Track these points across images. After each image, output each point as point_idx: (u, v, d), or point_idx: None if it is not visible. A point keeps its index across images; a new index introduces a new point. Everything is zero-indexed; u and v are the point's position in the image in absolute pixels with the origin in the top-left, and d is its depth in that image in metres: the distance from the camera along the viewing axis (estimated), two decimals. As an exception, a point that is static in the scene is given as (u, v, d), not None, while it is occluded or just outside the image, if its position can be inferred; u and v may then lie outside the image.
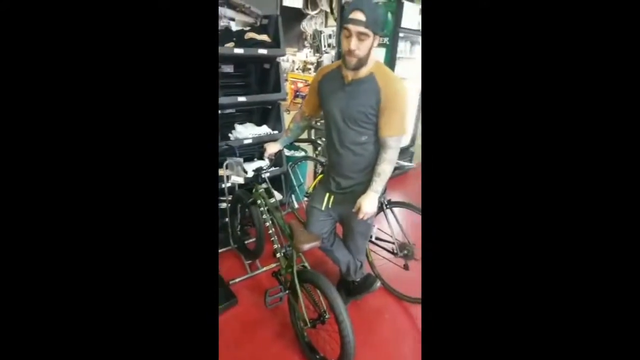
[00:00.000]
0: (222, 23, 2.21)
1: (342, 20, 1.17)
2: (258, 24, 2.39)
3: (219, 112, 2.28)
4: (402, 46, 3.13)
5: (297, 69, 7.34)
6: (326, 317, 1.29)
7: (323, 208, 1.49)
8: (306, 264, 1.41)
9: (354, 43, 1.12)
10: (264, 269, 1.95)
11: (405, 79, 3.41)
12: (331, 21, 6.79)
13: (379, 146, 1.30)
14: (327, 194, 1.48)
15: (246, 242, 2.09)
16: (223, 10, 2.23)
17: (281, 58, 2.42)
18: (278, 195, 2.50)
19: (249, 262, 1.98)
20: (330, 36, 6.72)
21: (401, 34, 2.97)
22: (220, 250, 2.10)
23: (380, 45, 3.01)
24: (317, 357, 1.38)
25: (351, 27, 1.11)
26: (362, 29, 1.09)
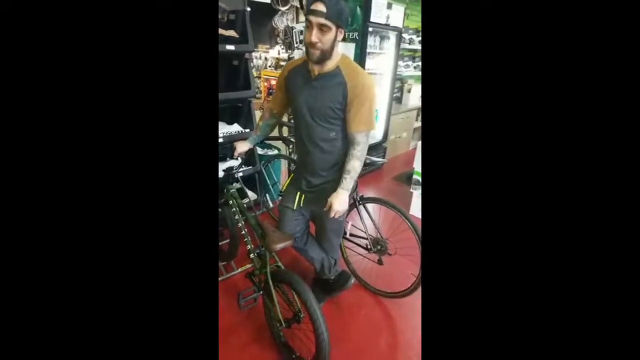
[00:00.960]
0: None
1: (305, 12, 1.16)
2: (225, 19, 2.32)
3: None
4: (372, 41, 3.15)
5: (269, 66, 7.24)
6: (301, 316, 1.28)
7: (295, 207, 1.48)
8: (280, 264, 1.39)
9: (315, 35, 1.10)
10: (239, 270, 1.91)
11: (376, 74, 3.46)
12: (302, 17, 6.76)
13: (347, 142, 1.30)
14: (298, 193, 1.46)
15: (220, 243, 2.03)
16: (187, 4, 2.13)
17: (254, 55, 2.37)
18: (252, 195, 2.45)
19: (224, 263, 1.93)
20: (301, 32, 6.68)
21: (370, 29, 2.98)
22: (192, 254, 2.03)
23: (349, 40, 3.02)
24: (294, 356, 1.37)
25: (312, 18, 1.09)
26: (322, 20, 1.08)
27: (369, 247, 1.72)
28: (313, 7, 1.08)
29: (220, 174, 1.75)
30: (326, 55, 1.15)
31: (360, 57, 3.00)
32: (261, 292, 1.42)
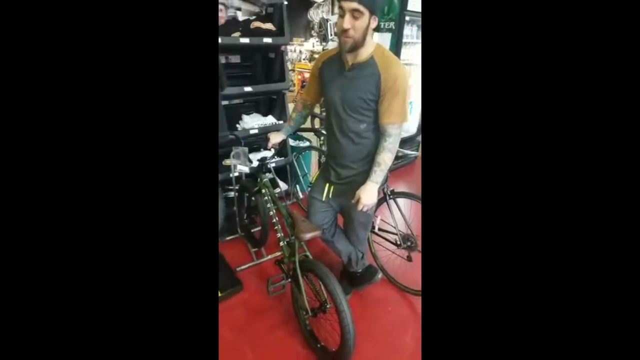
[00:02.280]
0: (229, 13, 2.19)
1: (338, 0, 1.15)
2: (264, 12, 2.36)
3: (227, 102, 2.28)
4: (409, 30, 3.03)
5: (304, 59, 7.27)
6: (327, 306, 1.30)
7: (323, 199, 1.49)
8: (308, 254, 1.42)
9: (347, 21, 1.08)
10: (269, 257, 1.97)
11: (412, 65, 3.33)
12: (337, 8, 6.68)
13: (379, 134, 1.27)
14: (327, 185, 1.47)
15: (252, 230, 2.12)
16: (230, 0, 2.20)
17: (288, 48, 2.40)
18: (283, 186, 2.51)
19: (255, 249, 2.01)
20: (336, 24, 6.61)
21: (407, 18, 2.86)
22: (227, 238, 2.14)
23: (385, 30, 2.93)
24: (319, 345, 1.40)
25: (344, 3, 1.07)
26: (355, 4, 1.06)
27: (398, 242, 1.69)
28: None
29: (255, 163, 1.81)
30: (358, 43, 1.13)
31: (396, 47, 2.91)
32: (289, 280, 1.46)
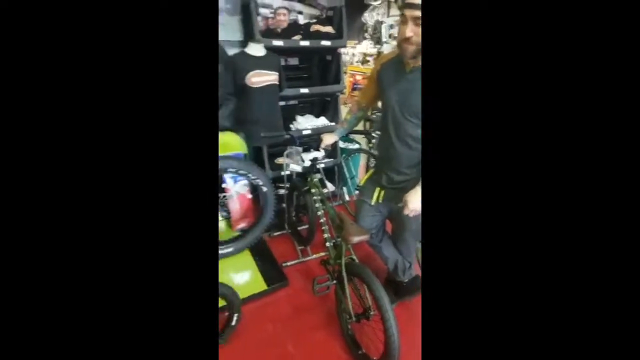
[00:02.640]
0: (291, 17, 2.28)
1: (399, 5, 1.11)
2: (324, 15, 2.41)
3: (284, 103, 2.37)
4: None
5: (356, 62, 7.25)
6: (371, 313, 1.27)
7: (373, 202, 1.46)
8: (354, 257, 1.41)
9: (409, 29, 1.05)
10: (314, 256, 2.00)
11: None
12: (393, 11, 6.58)
13: None
14: (378, 189, 1.44)
15: (299, 228, 2.16)
16: (292, 4, 2.29)
17: (341, 50, 2.42)
18: (330, 187, 2.52)
19: (301, 247, 2.05)
20: (391, 26, 6.50)
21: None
22: (275, 234, 2.23)
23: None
24: (360, 352, 1.37)
25: (407, 11, 1.04)
26: (417, 13, 1.01)
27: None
28: (409, 0, 1.03)
29: (307, 163, 1.85)
30: (420, 50, 1.09)
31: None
32: (334, 282, 1.46)
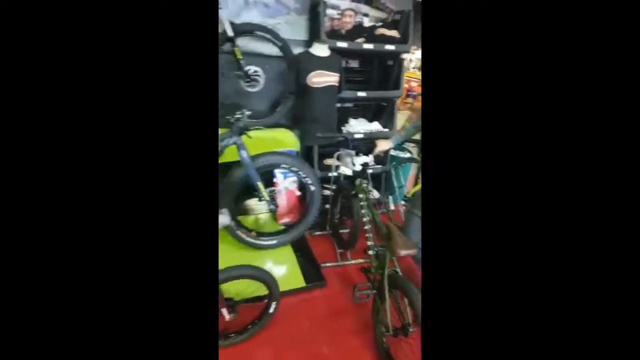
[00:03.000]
0: (356, 19, 2.27)
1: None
2: (390, 19, 2.37)
3: (340, 105, 2.38)
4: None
5: (413, 68, 7.02)
6: (410, 330, 1.22)
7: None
8: (398, 270, 1.36)
9: None
10: (353, 261, 1.98)
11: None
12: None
13: None
14: None
15: (341, 231, 2.16)
16: (358, 6, 2.28)
17: (404, 56, 2.35)
18: (376, 194, 2.48)
19: (340, 251, 2.04)
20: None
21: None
22: (316, 233, 2.24)
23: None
24: (393, 367, 1.33)
25: None
26: None
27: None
28: None
29: (358, 167, 1.83)
30: None
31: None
32: (374, 291, 1.43)
